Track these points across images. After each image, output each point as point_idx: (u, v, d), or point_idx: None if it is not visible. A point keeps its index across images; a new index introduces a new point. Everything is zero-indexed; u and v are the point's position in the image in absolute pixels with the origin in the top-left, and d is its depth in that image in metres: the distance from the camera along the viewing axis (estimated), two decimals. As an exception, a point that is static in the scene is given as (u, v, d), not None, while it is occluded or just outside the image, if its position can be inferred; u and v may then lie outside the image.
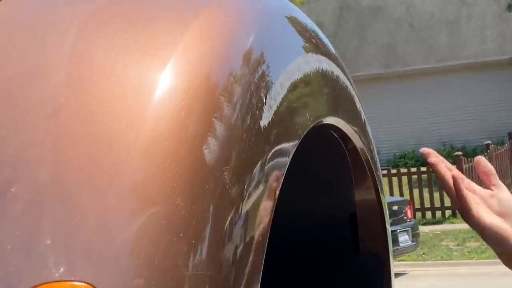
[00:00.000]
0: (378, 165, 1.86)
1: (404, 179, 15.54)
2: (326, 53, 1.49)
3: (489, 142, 17.41)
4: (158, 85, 0.91)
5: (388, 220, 1.86)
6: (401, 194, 14.86)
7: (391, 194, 14.68)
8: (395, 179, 15.58)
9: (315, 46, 1.42)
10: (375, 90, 22.47)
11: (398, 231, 10.63)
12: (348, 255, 1.81)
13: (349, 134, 1.59)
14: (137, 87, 0.90)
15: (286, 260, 1.84)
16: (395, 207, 10.99)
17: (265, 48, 1.14)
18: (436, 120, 22.75)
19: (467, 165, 14.66)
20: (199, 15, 1.05)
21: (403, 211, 11.49)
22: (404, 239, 10.96)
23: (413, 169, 16.40)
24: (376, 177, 1.79)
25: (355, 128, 1.63)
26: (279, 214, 1.36)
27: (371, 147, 1.79)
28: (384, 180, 15.26)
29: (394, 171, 16.32)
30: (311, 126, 1.25)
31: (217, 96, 0.96)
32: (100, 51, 0.97)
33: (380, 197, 1.81)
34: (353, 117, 1.64)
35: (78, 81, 0.91)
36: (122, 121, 0.87)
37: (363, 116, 1.74)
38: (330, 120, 1.43)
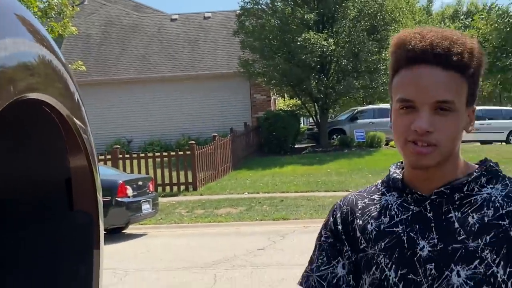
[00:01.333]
0: (91, 139, 1.90)
1: (150, 161, 17.38)
2: (40, 38, 1.52)
3: (216, 134, 20.01)
4: None
5: (99, 182, 1.93)
6: (147, 173, 16.41)
7: (139, 172, 16.39)
8: (143, 161, 17.39)
9: (31, 30, 1.48)
10: (132, 90, 26.20)
11: (142, 201, 11.83)
12: (64, 213, 1.89)
13: (61, 110, 1.63)
14: None
15: (8, 219, 1.94)
16: (140, 182, 12.36)
17: None
18: (178, 116, 26.10)
19: (199, 151, 17.66)
20: None
21: (147, 185, 12.55)
22: (146, 207, 12.00)
23: (157, 154, 18.53)
24: (88, 148, 1.85)
25: (68, 105, 1.66)
26: (5, 183, 1.75)
27: (83, 116, 1.83)
28: (135, 162, 17.45)
29: (142, 155, 18.24)
30: (14, 98, 1.28)
31: None
32: None
33: (91, 164, 1.87)
34: (65, 96, 1.66)
35: None
36: None
37: (76, 96, 1.77)
38: (36, 96, 1.44)
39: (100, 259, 1.96)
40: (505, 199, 1.32)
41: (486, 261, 1.28)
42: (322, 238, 1.51)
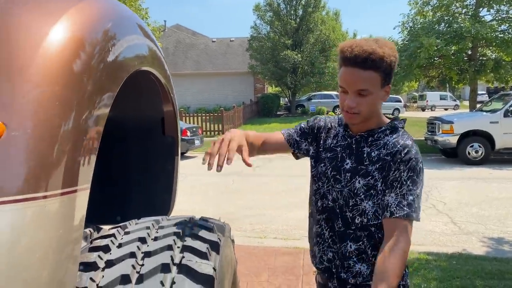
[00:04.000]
0: (175, 97, 1.83)
1: (199, 118, 17.64)
2: (148, 36, 1.47)
3: (234, 105, 20.82)
4: (51, 32, 0.94)
5: (178, 120, 1.87)
6: (197, 124, 16.99)
7: (193, 123, 16.74)
8: (196, 118, 17.64)
9: (143, 31, 1.42)
10: (191, 80, 26.33)
11: (194, 139, 12.15)
12: (160, 136, 1.90)
13: (160, 78, 1.60)
14: (43, 31, 0.94)
15: (129, 139, 1.90)
16: (194, 129, 12.61)
17: (115, 27, 1.16)
18: (215, 94, 26.89)
19: (225, 114, 17.80)
20: (82, 1, 1.08)
21: (197, 130, 12.80)
22: (196, 142, 12.38)
23: (203, 114, 18.52)
24: (173, 100, 1.79)
25: (163, 76, 1.62)
26: (121, 117, 1.71)
27: (171, 85, 1.75)
28: (192, 118, 17.41)
29: (195, 115, 18.36)
30: (137, 69, 1.26)
31: (87, 45, 1.00)
32: (22, 11, 0.96)
33: (175, 110, 1.84)
34: (162, 70, 1.61)
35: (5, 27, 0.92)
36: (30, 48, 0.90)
37: (166, 69, 1.69)
38: (147, 68, 1.41)
39: (177, 161, 1.95)
40: (392, 144, 1.32)
41: (374, 178, 1.31)
42: (302, 124, 1.55)
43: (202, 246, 1.22)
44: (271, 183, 8.28)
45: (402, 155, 1.29)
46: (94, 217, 1.59)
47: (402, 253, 1.23)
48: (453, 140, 9.95)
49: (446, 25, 13.88)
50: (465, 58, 14.09)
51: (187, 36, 31.15)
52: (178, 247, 1.22)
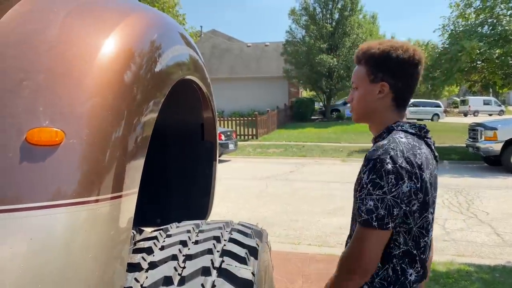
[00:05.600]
0: (215, 104, 1.88)
1: (234, 122, 17.68)
2: (191, 45, 1.50)
3: (268, 109, 20.50)
4: (105, 45, 1.00)
5: (217, 126, 1.93)
6: (232, 128, 17.01)
7: (228, 127, 16.82)
8: (230, 122, 18.02)
9: (186, 41, 1.45)
10: (226, 85, 26.11)
11: (229, 143, 12.30)
12: (199, 141, 1.95)
13: (201, 87, 1.64)
14: (97, 45, 0.99)
15: (171, 145, 1.95)
16: (228, 133, 12.72)
17: (161, 38, 1.21)
18: (249, 99, 26.66)
19: (259, 118, 17.82)
20: (131, 14, 1.14)
21: (232, 134, 12.92)
22: (231, 146, 12.44)
23: (238, 118, 18.58)
24: (212, 107, 1.85)
25: (205, 84, 1.67)
26: (163, 122, 1.66)
27: (211, 92, 1.80)
28: (226, 122, 17.63)
29: (230, 118, 18.72)
30: (180, 78, 1.30)
31: (136, 56, 1.03)
32: (80, 25, 1.02)
33: (214, 116, 1.88)
34: (203, 79, 1.65)
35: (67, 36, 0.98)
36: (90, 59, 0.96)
37: (207, 76, 1.72)
38: (190, 77, 1.45)
39: (215, 166, 1.98)
40: (378, 145, 1.20)
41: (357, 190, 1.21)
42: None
43: (241, 251, 1.24)
44: (305, 188, 8.28)
45: (367, 155, 1.18)
46: (136, 219, 1.68)
47: (340, 258, 1.19)
48: (497, 147, 9.65)
49: (490, 28, 13.47)
50: (510, 62, 13.56)
51: (223, 41, 31.45)
52: (218, 251, 1.25)
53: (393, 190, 1.12)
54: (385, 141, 1.19)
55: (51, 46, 0.94)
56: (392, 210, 1.12)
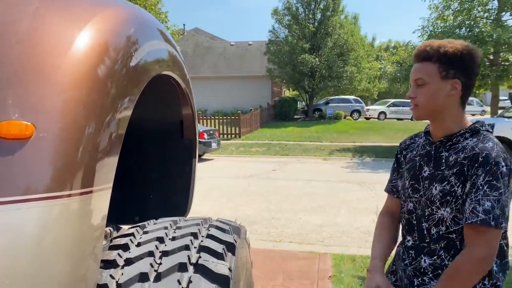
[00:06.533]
0: (194, 101, 1.85)
1: (217, 121, 17.81)
2: (169, 41, 1.48)
3: (251, 108, 20.39)
4: (79, 38, 0.96)
5: (197, 123, 1.90)
6: (215, 126, 17.07)
7: (210, 126, 16.84)
8: (213, 121, 17.93)
9: (164, 37, 1.43)
10: (208, 83, 26.19)
11: (211, 141, 12.25)
12: (179, 139, 1.92)
13: (180, 83, 1.61)
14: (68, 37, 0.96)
15: (148, 142, 1.92)
16: (211, 131, 12.63)
17: (138, 33, 1.18)
18: (232, 97, 26.57)
19: (242, 117, 17.74)
20: (107, 8, 1.09)
21: (214, 133, 12.86)
22: (213, 145, 12.42)
23: (220, 117, 18.39)
24: (192, 104, 1.82)
25: (183, 80, 1.63)
26: (141, 119, 1.69)
27: (190, 89, 1.76)
28: (209, 121, 17.57)
29: (212, 117, 18.61)
30: (157, 73, 1.27)
31: (111, 50, 1.01)
32: (53, 17, 0.98)
33: (194, 113, 1.85)
34: (182, 75, 1.62)
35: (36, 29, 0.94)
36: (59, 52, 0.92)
37: (186, 73, 1.69)
38: (168, 72, 1.42)
39: (195, 163, 1.96)
40: (470, 148, 1.26)
41: (450, 183, 1.26)
42: (393, 162, 1.54)
43: (218, 247, 1.24)
44: (287, 186, 8.28)
45: (480, 158, 1.23)
46: (113, 217, 1.63)
47: (472, 259, 1.19)
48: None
49: (467, 30, 13.74)
50: (487, 63, 13.84)
51: (206, 40, 31.20)
52: (195, 247, 1.25)
53: (506, 191, 1.22)
54: (490, 143, 1.27)
55: (22, 39, 0.91)
56: (505, 210, 1.22)
